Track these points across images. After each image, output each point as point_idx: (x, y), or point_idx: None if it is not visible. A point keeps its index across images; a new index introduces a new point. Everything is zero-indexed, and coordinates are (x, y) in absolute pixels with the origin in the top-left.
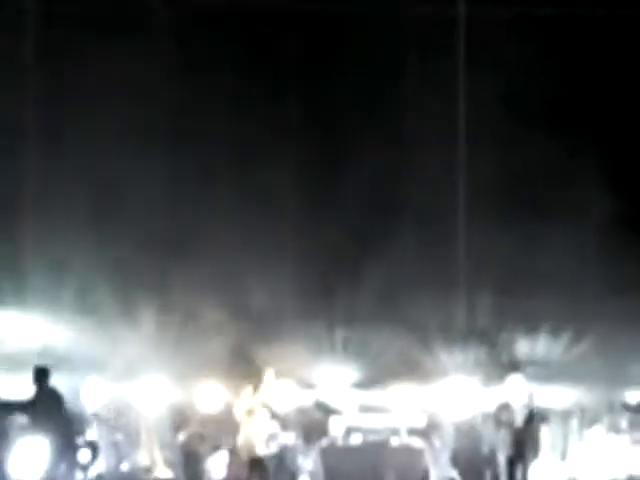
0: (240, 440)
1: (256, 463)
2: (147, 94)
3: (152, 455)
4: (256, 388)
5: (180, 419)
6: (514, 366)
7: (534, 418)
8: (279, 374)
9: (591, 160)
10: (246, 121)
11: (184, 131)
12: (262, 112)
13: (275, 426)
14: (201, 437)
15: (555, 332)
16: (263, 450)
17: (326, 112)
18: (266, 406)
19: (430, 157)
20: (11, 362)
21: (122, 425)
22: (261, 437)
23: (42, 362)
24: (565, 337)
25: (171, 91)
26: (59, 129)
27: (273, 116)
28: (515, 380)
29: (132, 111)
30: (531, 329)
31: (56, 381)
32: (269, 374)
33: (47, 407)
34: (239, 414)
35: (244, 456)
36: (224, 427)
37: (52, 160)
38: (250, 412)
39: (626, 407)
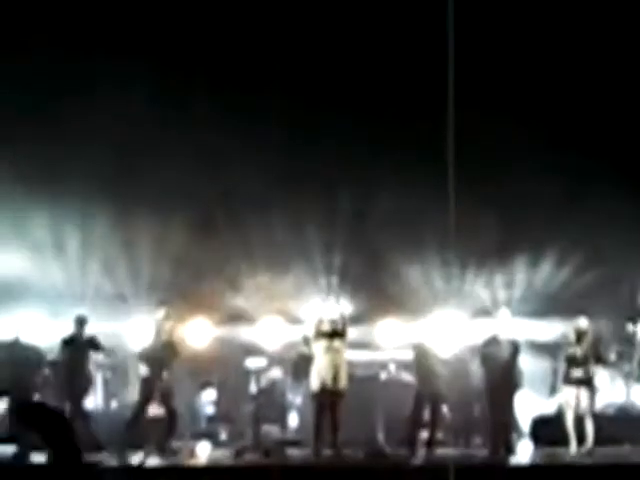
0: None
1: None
2: None
3: None
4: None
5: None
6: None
7: (519, 352)
8: (267, 310)
9: None
10: None
11: None
12: None
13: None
14: (191, 373)
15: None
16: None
17: None
18: None
19: None
20: None
21: (111, 363)
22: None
23: None
24: (565, 271)
25: None
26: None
27: None
28: (503, 314)
29: None
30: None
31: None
32: None
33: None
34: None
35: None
36: (213, 363)
37: None
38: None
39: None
